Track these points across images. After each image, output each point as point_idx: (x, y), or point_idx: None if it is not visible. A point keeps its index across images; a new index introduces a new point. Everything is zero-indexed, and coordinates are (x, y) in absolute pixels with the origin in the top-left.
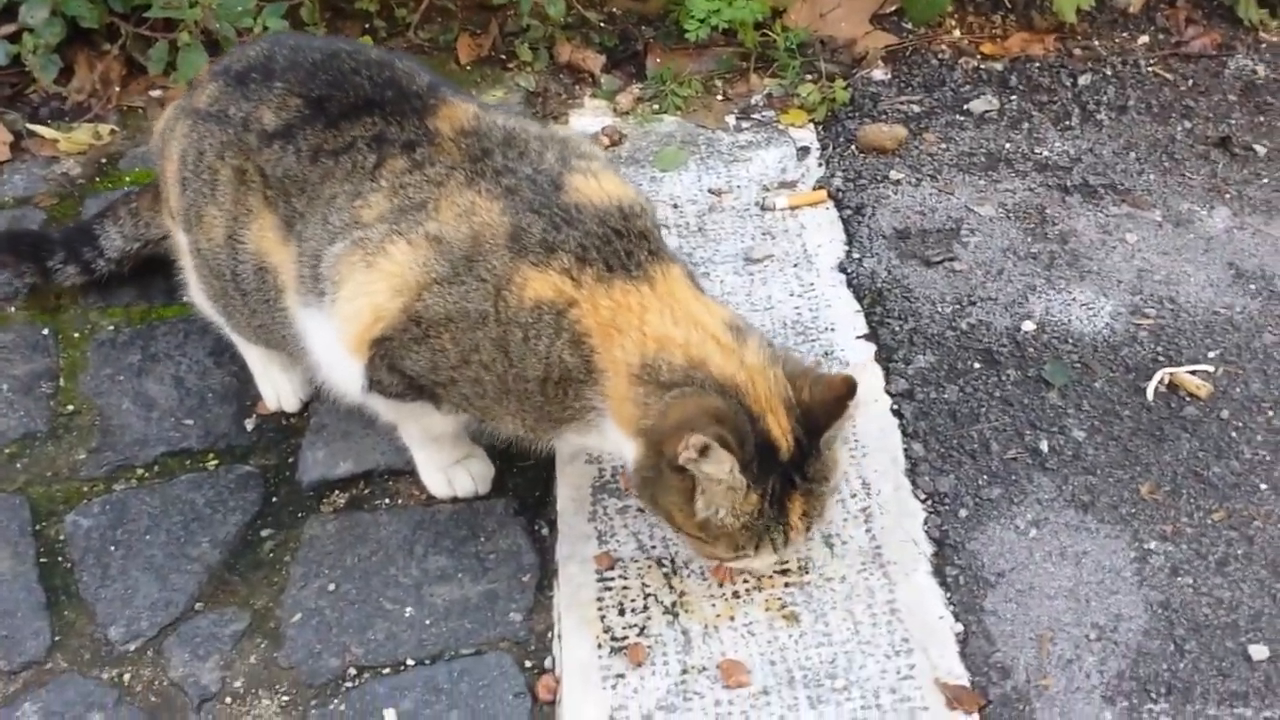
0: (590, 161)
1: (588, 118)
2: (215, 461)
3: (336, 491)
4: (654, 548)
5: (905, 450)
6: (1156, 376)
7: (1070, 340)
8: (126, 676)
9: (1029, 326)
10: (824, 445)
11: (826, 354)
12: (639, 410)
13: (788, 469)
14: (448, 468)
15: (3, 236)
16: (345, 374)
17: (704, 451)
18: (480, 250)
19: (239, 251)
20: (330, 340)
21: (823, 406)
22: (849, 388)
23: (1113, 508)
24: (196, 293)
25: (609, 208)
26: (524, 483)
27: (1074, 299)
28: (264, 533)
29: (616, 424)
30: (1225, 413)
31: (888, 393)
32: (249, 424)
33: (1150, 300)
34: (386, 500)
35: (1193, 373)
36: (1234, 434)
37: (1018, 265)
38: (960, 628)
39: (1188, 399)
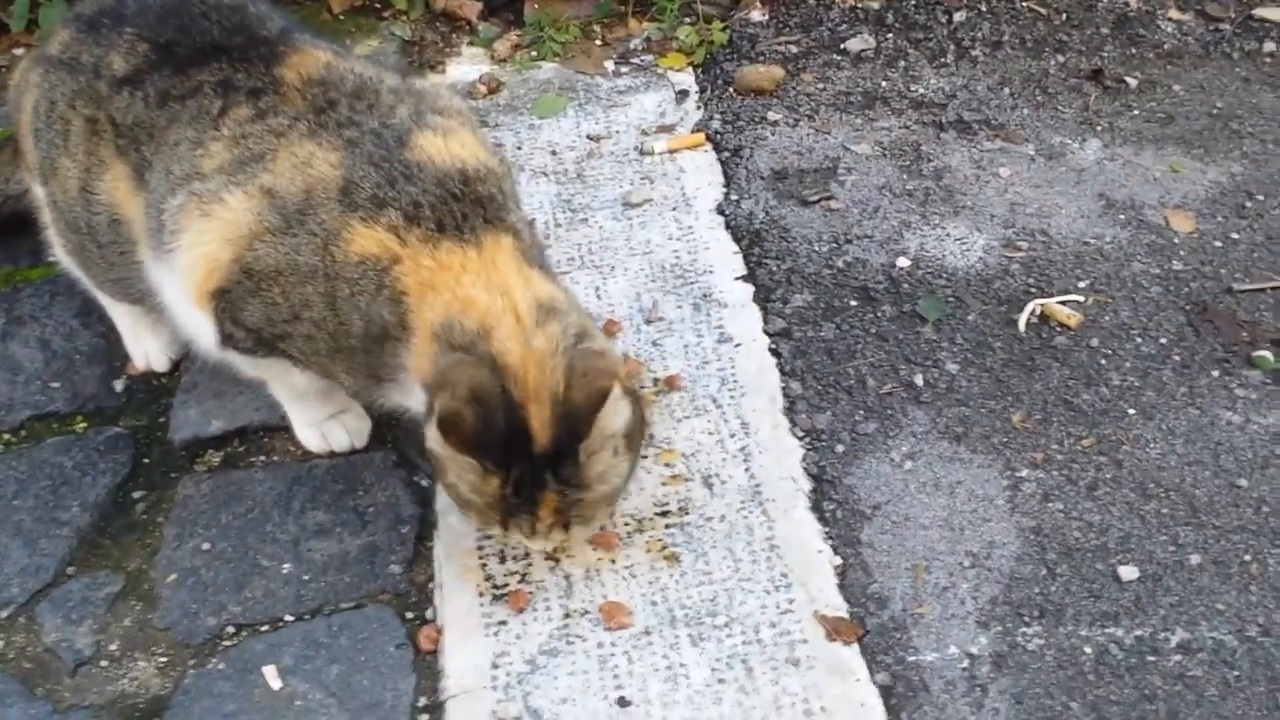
0: (448, 119)
1: (465, 66)
2: (84, 424)
3: (210, 450)
4: None
5: (783, 389)
6: (1028, 308)
7: (944, 275)
8: None
9: (904, 263)
10: (583, 451)
11: (705, 296)
12: (429, 367)
13: (541, 464)
14: (321, 422)
15: None
16: (197, 328)
17: (445, 421)
18: (312, 203)
19: (92, 203)
20: (177, 294)
21: (577, 411)
22: (599, 395)
23: (985, 438)
24: (59, 248)
25: (450, 169)
26: (403, 435)
27: (948, 234)
28: (135, 494)
29: (417, 380)
30: (1095, 341)
31: (765, 332)
32: (118, 385)
33: (1022, 233)
34: (262, 457)
35: (1063, 303)
36: (1103, 361)
37: (893, 203)
38: (838, 561)
39: (1058, 329)
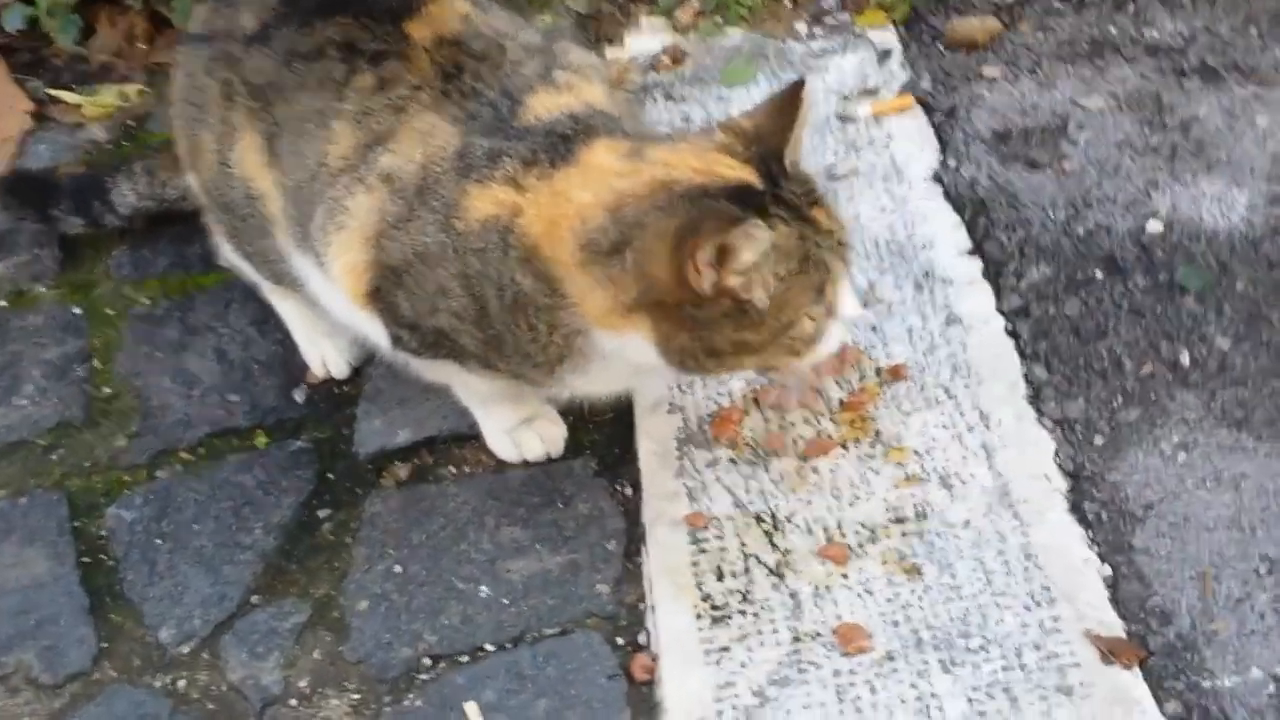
0: (573, 74)
1: (645, 38)
2: (264, 439)
3: (397, 462)
4: (751, 502)
5: (1025, 374)
6: None
7: (1203, 239)
8: (181, 683)
9: (1155, 227)
10: (790, 165)
11: (927, 274)
12: (609, 291)
13: (776, 196)
14: (513, 429)
15: (6, 180)
16: (367, 328)
17: (721, 253)
18: (429, 180)
19: (230, 176)
20: (337, 299)
21: (774, 115)
22: (796, 85)
23: (1270, 423)
24: (219, 241)
25: (559, 118)
26: (601, 440)
27: (1203, 193)
28: (321, 513)
29: (607, 327)
30: None
31: (1000, 312)
32: (298, 395)
33: None
34: (452, 469)
35: None
36: None
37: (1136, 160)
38: (1108, 571)
39: None
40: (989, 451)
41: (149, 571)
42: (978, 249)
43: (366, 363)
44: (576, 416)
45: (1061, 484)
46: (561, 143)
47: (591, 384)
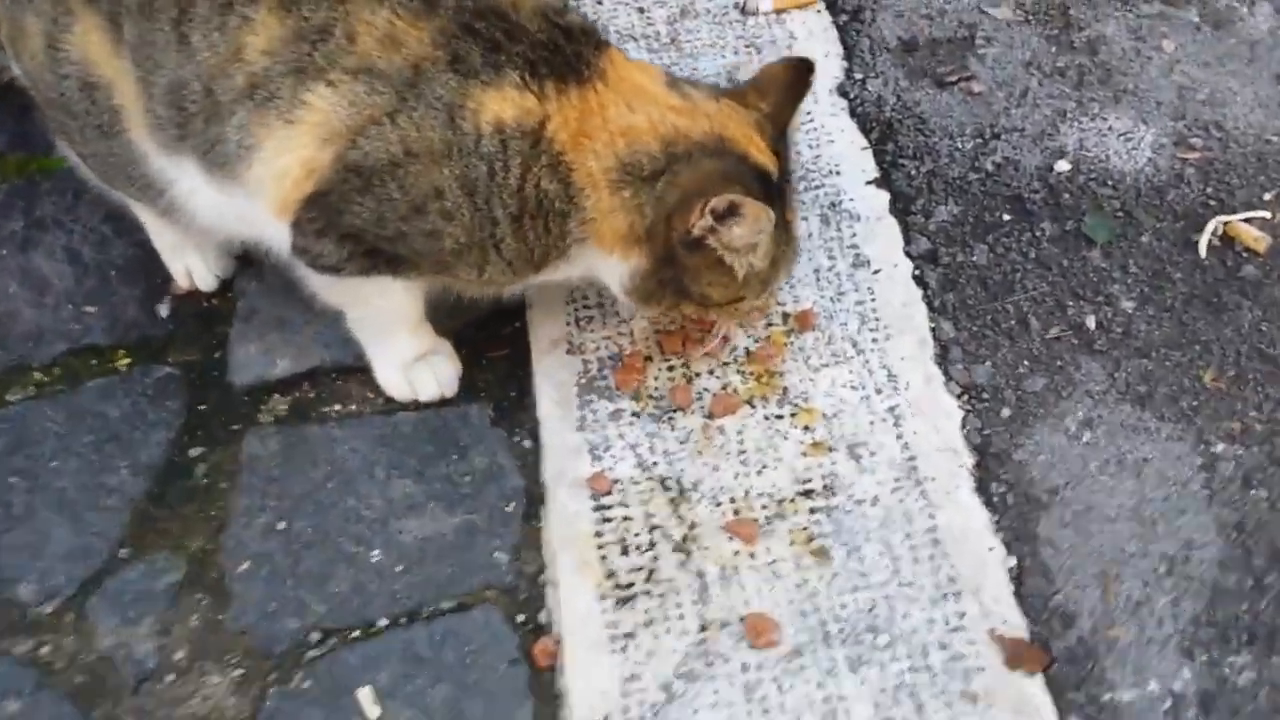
0: None
1: None
2: (127, 360)
3: (276, 395)
4: (656, 464)
5: (933, 330)
6: (1209, 228)
7: (1110, 182)
8: (45, 649)
9: (1063, 166)
10: (789, 139)
11: (834, 205)
12: (631, 217)
13: (782, 192)
14: (408, 365)
15: None
16: (269, 240)
17: (729, 212)
18: (423, 77)
19: (60, 63)
20: (241, 207)
21: (786, 99)
22: (806, 67)
23: (1172, 400)
24: (55, 135)
25: (541, 3)
26: (496, 381)
27: (1110, 127)
28: (193, 452)
29: (603, 247)
30: None
31: (908, 255)
32: (162, 309)
33: (1195, 126)
34: (337, 406)
35: (1248, 220)
36: None
37: (1044, 85)
38: (1013, 562)
39: (1245, 255)
40: (897, 419)
41: (4, 515)
42: (885, 179)
43: (237, 274)
44: (469, 350)
45: (968, 460)
46: (567, 45)
47: (555, 277)
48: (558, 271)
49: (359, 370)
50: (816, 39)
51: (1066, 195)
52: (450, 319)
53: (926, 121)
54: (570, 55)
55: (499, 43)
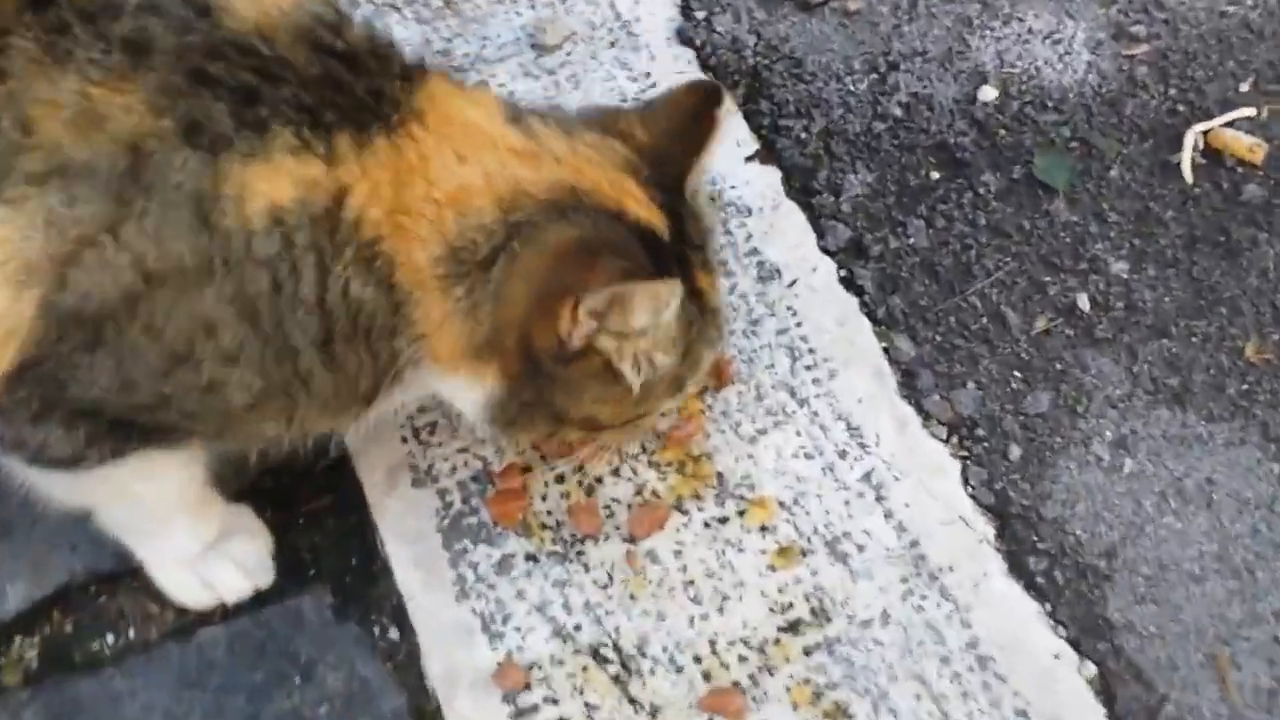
0: None
1: None
2: None
3: (18, 639)
4: (578, 627)
5: (886, 351)
6: (1188, 142)
7: (1050, 103)
8: None
9: (988, 93)
10: (690, 196)
11: (711, 199)
12: (469, 323)
13: (679, 254)
14: (198, 560)
15: None
16: None
17: (612, 304)
18: (147, 163)
19: None
20: None
21: (678, 130)
22: (709, 93)
23: (1216, 389)
24: None
25: (304, 23)
26: (325, 545)
27: (1030, 30)
28: None
29: (444, 366)
30: None
31: (826, 250)
32: None
33: (1131, 11)
34: (109, 636)
35: (1231, 124)
36: None
37: None
38: (1091, 669)
39: (1240, 170)
40: (878, 489)
41: None
42: (768, 148)
43: None
44: (276, 511)
45: (987, 530)
46: (355, 80)
47: (387, 406)
48: (392, 400)
49: (129, 574)
50: None
51: (1003, 132)
52: (238, 472)
53: (802, 62)
54: (364, 94)
55: (253, 90)
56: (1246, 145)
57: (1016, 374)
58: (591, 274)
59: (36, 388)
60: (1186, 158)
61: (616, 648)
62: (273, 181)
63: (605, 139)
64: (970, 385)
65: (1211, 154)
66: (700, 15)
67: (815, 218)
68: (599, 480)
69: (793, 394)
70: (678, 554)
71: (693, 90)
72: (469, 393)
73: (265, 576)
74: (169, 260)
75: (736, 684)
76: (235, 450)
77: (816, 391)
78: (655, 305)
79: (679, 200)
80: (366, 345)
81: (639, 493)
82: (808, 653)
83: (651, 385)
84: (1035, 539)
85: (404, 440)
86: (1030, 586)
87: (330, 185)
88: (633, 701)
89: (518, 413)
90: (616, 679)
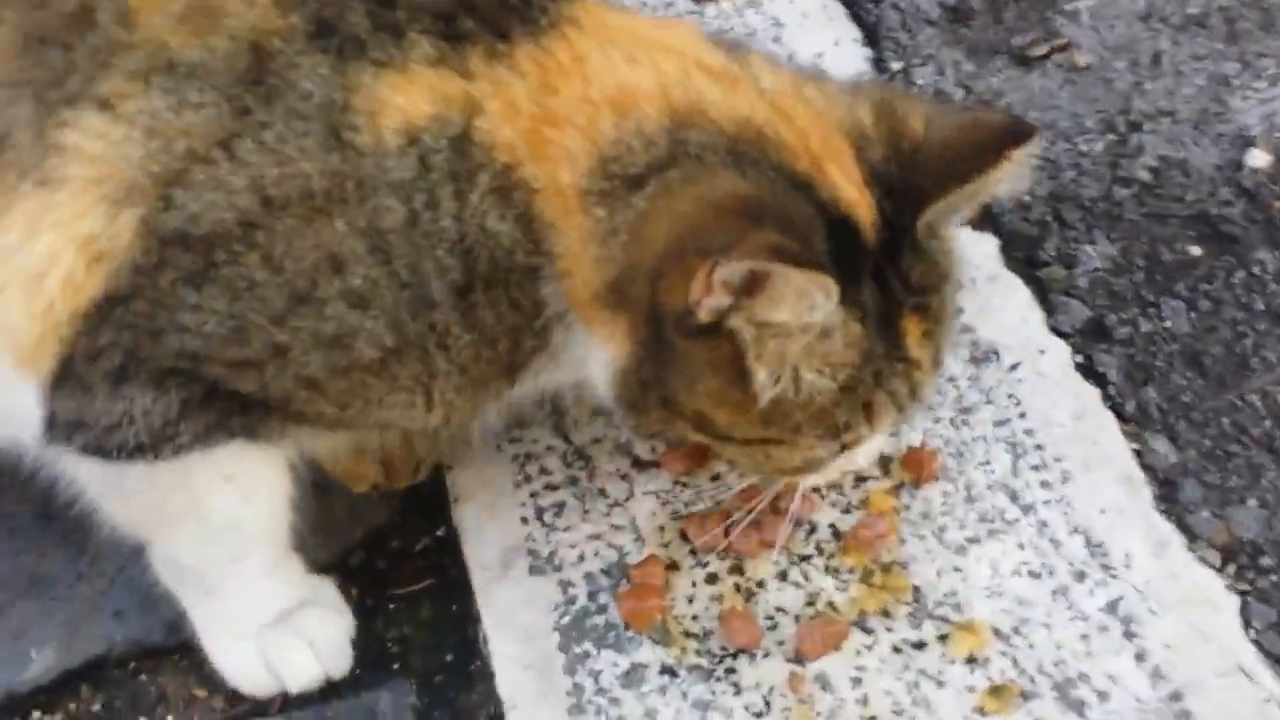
0: None
1: None
2: None
3: (37, 716)
4: None
5: (1138, 455)
6: None
7: None
8: None
9: (1258, 159)
10: (926, 230)
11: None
12: (604, 253)
13: (879, 261)
14: (264, 633)
15: None
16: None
17: (753, 284)
18: (271, 65)
19: None
20: None
21: (947, 158)
22: (1018, 129)
23: None
24: None
25: None
26: (416, 635)
27: None
28: None
29: (580, 315)
30: None
31: (1057, 332)
32: None
33: None
34: None
35: None
36: None
37: (1178, 44)
38: None
39: None
40: (1127, 624)
41: None
42: (986, 215)
43: None
44: (364, 589)
45: (1276, 686)
46: None
47: (554, 380)
48: (540, 378)
49: (178, 651)
50: (814, 21)
51: (1278, 203)
52: (325, 542)
53: (1021, 117)
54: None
55: None
56: None
57: None
58: (741, 241)
59: (124, 334)
60: None
61: None
62: (409, 95)
63: (848, 96)
64: (1251, 502)
65: None
66: (896, 66)
67: (1042, 292)
68: (760, 585)
69: (1014, 498)
70: (856, 682)
71: (1000, 120)
72: (601, 353)
73: (340, 664)
74: (293, 182)
75: None
76: (352, 448)
77: (1045, 497)
78: (799, 299)
79: (910, 216)
80: (507, 293)
81: (811, 603)
82: None
83: (789, 407)
84: None
85: (524, 521)
86: None
87: (465, 103)
88: None
89: (639, 391)
90: None
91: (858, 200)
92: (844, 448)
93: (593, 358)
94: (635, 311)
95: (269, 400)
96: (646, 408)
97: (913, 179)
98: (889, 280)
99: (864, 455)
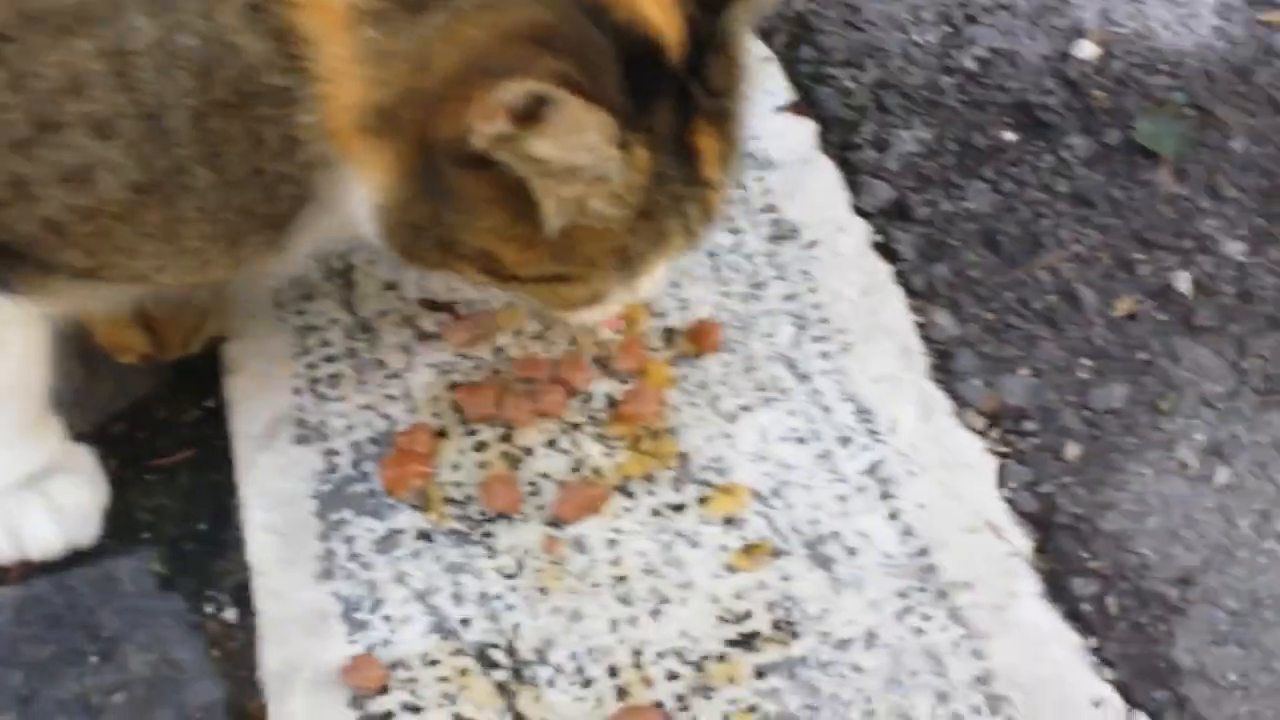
0: None
1: None
2: None
3: None
4: (466, 622)
5: (921, 327)
6: None
7: (1165, 67)
8: None
9: (1087, 50)
10: (731, 25)
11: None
12: (374, 76)
13: (680, 78)
14: (7, 496)
15: None
16: None
17: (531, 113)
18: None
19: None
20: None
21: None
22: None
23: None
24: None
25: None
26: (171, 507)
27: None
28: None
29: (337, 143)
30: None
31: (860, 211)
32: None
33: None
34: None
35: None
36: None
37: None
38: None
39: None
40: (884, 484)
41: None
42: (806, 99)
43: None
44: (122, 460)
45: (1023, 543)
46: None
47: (317, 234)
48: (317, 237)
49: None
50: None
51: (1099, 94)
52: (87, 411)
53: (860, 9)
54: None
55: None
56: None
57: (1086, 361)
58: (527, 67)
59: None
60: None
61: (511, 650)
62: None
63: None
64: (1024, 371)
65: None
66: None
67: (851, 174)
68: (528, 452)
69: (792, 367)
70: (612, 544)
71: None
72: (362, 189)
73: (86, 532)
74: None
75: (658, 705)
76: (117, 311)
77: (823, 366)
78: (574, 133)
79: (713, 25)
80: (251, 124)
81: (576, 469)
82: (760, 674)
83: (581, 239)
84: (1086, 556)
85: (296, 391)
86: (1072, 615)
87: None
88: (518, 717)
89: (411, 236)
90: (503, 688)
91: (665, 22)
92: (636, 276)
93: (353, 198)
94: (405, 139)
95: (16, 245)
96: (423, 252)
97: None
98: (690, 89)
99: (650, 284)
